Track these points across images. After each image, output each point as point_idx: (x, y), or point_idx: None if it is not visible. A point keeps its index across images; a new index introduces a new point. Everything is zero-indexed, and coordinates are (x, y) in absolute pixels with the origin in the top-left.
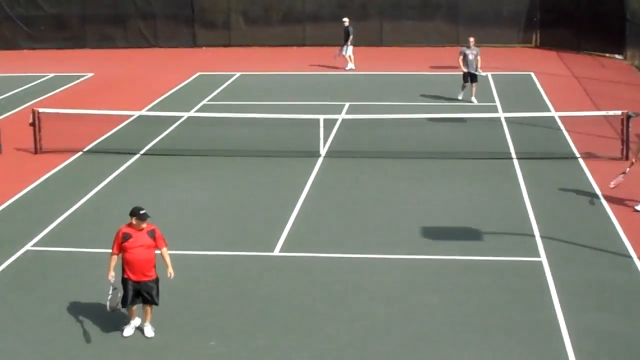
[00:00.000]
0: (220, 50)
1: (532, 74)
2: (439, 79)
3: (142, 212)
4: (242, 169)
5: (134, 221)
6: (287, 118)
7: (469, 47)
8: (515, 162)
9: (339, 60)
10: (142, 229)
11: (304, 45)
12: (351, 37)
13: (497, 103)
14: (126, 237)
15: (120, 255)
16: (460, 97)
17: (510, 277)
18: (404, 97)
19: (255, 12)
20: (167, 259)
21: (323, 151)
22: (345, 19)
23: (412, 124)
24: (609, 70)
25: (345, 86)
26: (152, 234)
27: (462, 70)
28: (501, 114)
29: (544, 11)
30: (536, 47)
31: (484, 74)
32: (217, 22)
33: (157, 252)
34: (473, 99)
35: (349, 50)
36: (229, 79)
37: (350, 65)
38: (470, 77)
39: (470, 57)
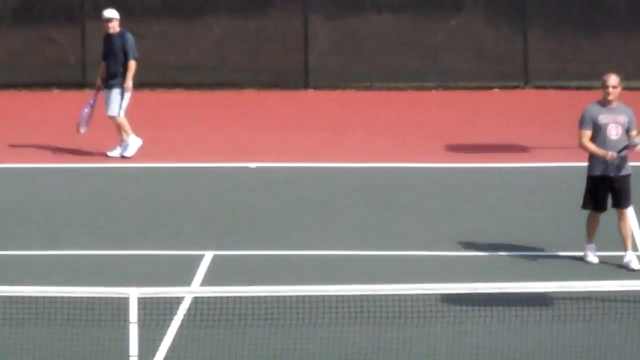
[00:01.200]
0: None
1: None
2: (477, 180)
3: None
4: None
5: None
6: (38, 297)
7: (605, 101)
8: None
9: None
10: None
11: (84, 86)
12: (131, 58)
13: None
14: None
15: None
16: (590, 258)
17: None
18: (375, 238)
19: None
20: None
21: None
22: (110, 13)
23: (399, 315)
24: None
25: (206, 203)
26: None
27: (607, 157)
28: None
29: None
30: None
31: None
32: None
33: None
34: (630, 255)
35: (119, 105)
36: None
37: (129, 149)
38: (614, 194)
39: (613, 132)
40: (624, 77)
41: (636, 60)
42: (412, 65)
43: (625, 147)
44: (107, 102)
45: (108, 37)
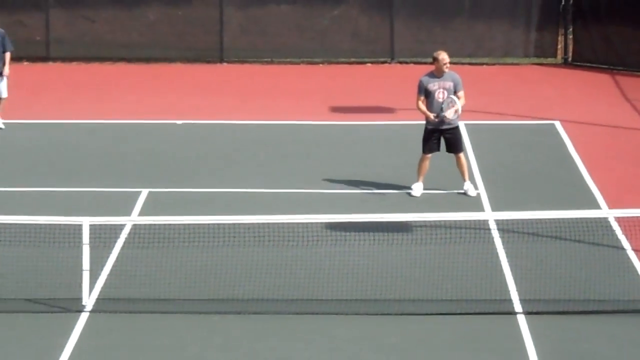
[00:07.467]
0: None
1: (557, 125)
2: (354, 137)
3: None
4: None
5: None
6: (8, 224)
7: (436, 73)
8: (522, 321)
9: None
10: None
11: (48, 59)
12: (8, 56)
13: (482, 190)
14: None
15: None
16: (415, 192)
17: None
18: (274, 179)
19: None
20: None
21: (89, 299)
22: None
23: (293, 238)
24: None
25: (142, 151)
26: None
27: (431, 119)
28: (489, 215)
29: None
30: (565, 64)
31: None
32: None
33: None
34: (467, 185)
35: (1, 88)
36: None
37: None
38: (447, 143)
39: (440, 95)
40: (468, 54)
41: (477, 42)
42: (304, 45)
43: (442, 113)
44: (0, 88)
45: None
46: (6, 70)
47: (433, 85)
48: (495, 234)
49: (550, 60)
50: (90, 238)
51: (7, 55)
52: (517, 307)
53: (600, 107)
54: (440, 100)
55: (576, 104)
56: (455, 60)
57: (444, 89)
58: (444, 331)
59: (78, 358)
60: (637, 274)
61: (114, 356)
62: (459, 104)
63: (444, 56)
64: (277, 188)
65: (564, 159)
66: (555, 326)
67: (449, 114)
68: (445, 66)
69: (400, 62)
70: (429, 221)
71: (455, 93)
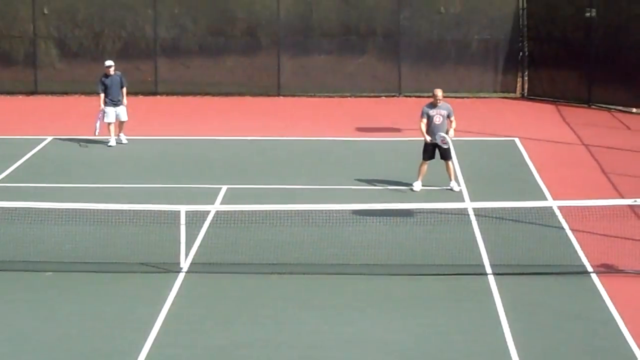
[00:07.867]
0: (20, 100)
1: (517, 140)
2: (372, 149)
3: None
4: (44, 297)
5: None
6: (127, 210)
7: (434, 104)
8: (491, 280)
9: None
10: None
11: (156, 93)
12: (124, 90)
13: (463, 186)
14: None
15: None
16: (416, 188)
17: None
18: (315, 179)
19: (78, 40)
20: None
21: (185, 263)
22: (112, 62)
23: (328, 220)
24: (638, 134)
25: (222, 159)
26: None
27: (425, 140)
28: (468, 204)
29: (534, 43)
30: (522, 97)
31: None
32: (14, 55)
33: None
34: (453, 183)
35: (122, 114)
36: (33, 147)
37: (113, 142)
38: (440, 153)
39: (437, 120)
40: (453, 90)
41: (459, 81)
42: (337, 83)
43: (443, 135)
44: (121, 114)
45: (108, 76)
46: (124, 101)
47: (432, 112)
48: (473, 218)
49: (511, 94)
50: (185, 220)
51: (124, 90)
52: (488, 269)
53: (547, 128)
54: (437, 123)
55: (530, 126)
56: (445, 94)
57: (440, 114)
58: (435, 287)
59: (177, 306)
60: (573, 247)
61: (202, 305)
62: (451, 133)
63: (438, 92)
64: (317, 185)
65: (521, 165)
66: (515, 283)
67: (449, 134)
68: (439, 99)
69: (406, 96)
70: (425, 208)
71: (448, 117)
